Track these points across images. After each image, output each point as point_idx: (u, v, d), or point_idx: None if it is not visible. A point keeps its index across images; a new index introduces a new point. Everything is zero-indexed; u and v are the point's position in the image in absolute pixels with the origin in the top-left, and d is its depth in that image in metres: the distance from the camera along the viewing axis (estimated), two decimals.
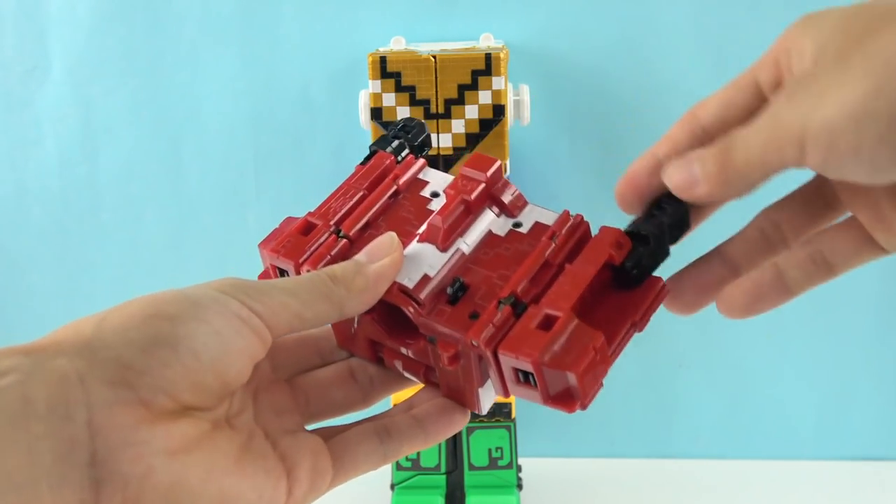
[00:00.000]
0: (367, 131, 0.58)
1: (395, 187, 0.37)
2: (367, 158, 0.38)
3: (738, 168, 0.30)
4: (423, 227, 0.35)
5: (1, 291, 0.71)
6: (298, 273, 0.34)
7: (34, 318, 0.71)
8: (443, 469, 0.62)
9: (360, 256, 0.33)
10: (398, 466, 0.62)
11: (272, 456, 0.31)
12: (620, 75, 0.64)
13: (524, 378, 0.31)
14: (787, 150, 0.28)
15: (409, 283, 0.33)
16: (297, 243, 0.34)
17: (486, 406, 0.35)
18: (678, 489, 0.67)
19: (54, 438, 0.25)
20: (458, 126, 0.57)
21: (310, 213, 0.36)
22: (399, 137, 0.39)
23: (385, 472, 0.63)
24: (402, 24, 0.64)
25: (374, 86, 0.56)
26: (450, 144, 0.57)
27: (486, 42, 0.61)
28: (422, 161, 0.38)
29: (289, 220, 0.36)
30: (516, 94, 0.59)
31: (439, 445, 0.62)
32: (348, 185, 0.37)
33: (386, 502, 0.63)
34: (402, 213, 0.36)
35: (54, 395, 0.25)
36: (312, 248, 0.34)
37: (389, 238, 0.33)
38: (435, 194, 0.37)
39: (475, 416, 0.63)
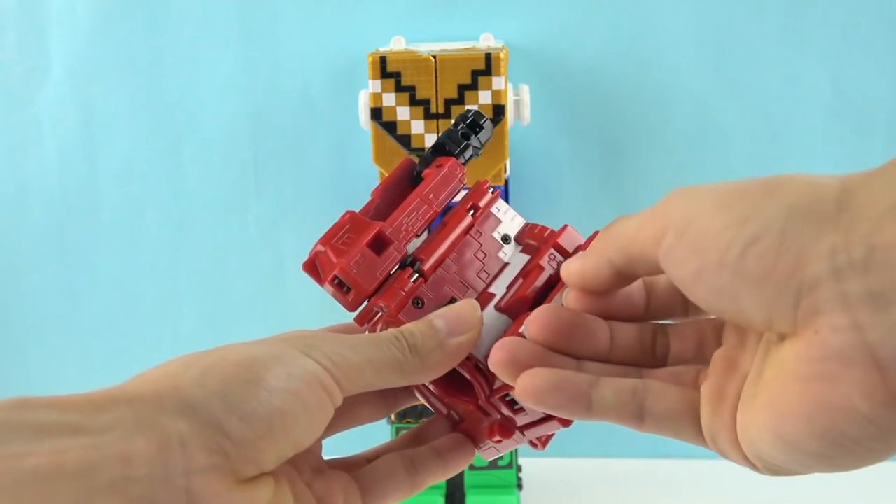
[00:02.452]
0: (366, 131, 0.58)
1: (469, 219, 0.35)
2: (433, 153, 0.36)
3: (615, 231, 0.30)
4: (502, 291, 0.34)
5: (1, 291, 0.71)
6: (365, 298, 0.33)
7: (34, 318, 0.71)
8: None
9: (440, 324, 0.31)
10: None
11: (314, 502, 0.31)
12: (620, 75, 0.64)
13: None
14: (652, 232, 0.28)
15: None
16: (369, 265, 0.33)
17: (493, 456, 0.35)
18: (678, 489, 0.67)
19: None
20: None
21: (381, 224, 0.33)
22: (468, 137, 0.36)
23: None
24: (402, 24, 0.64)
25: (374, 86, 0.56)
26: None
27: (486, 42, 0.61)
28: (496, 192, 0.36)
29: (352, 216, 0.34)
30: (516, 94, 0.59)
31: None
32: (422, 198, 0.34)
33: None
34: (472, 253, 0.35)
35: (155, 457, 0.25)
36: (384, 276, 0.33)
37: (473, 311, 0.32)
38: (506, 239, 0.35)
39: None
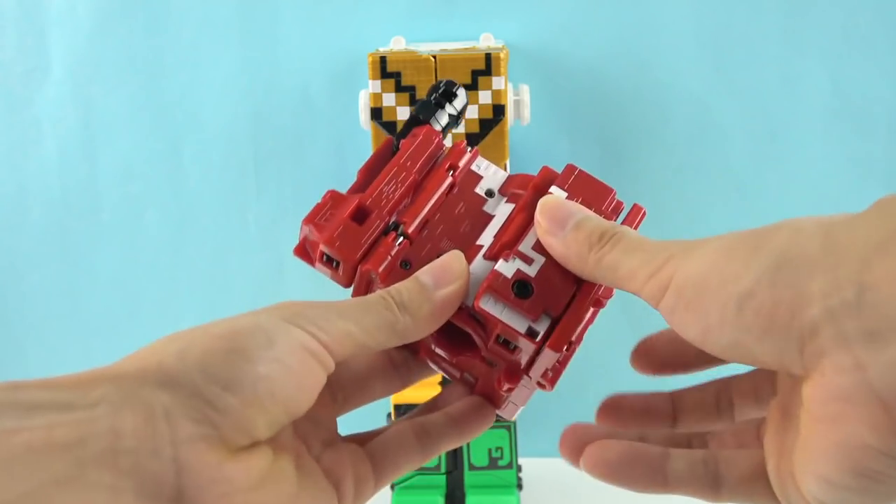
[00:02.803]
0: (367, 131, 0.58)
1: (450, 179, 0.35)
2: (408, 126, 0.36)
3: (603, 262, 0.30)
4: (489, 241, 0.34)
5: (1, 291, 0.71)
6: (353, 267, 0.33)
7: (34, 318, 0.71)
8: (443, 469, 0.62)
9: (426, 278, 0.31)
10: None
11: (320, 473, 0.31)
12: (620, 75, 0.64)
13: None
14: (648, 285, 0.29)
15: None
16: (352, 235, 0.33)
17: (515, 413, 0.35)
18: None
19: (140, 475, 0.25)
20: (458, 127, 0.57)
21: (361, 195, 0.34)
22: (442, 105, 0.37)
23: None
24: (402, 24, 0.64)
25: (374, 86, 0.56)
26: (450, 144, 0.57)
27: (486, 42, 0.61)
28: (474, 150, 0.36)
29: (333, 194, 0.34)
30: (516, 94, 0.59)
31: None
32: (399, 167, 0.35)
33: (386, 502, 0.63)
34: (457, 211, 0.35)
35: (141, 428, 0.25)
36: (369, 243, 0.33)
37: (457, 261, 0.32)
38: (490, 193, 0.35)
39: None
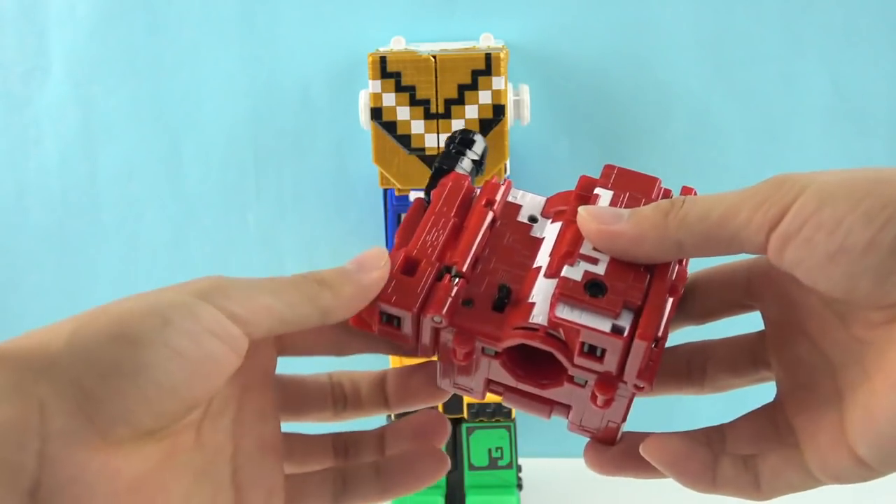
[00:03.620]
0: (367, 131, 0.58)
1: (491, 214, 0.35)
2: (435, 178, 0.36)
3: (691, 214, 0.29)
4: (546, 261, 0.33)
5: (1, 291, 0.71)
6: (419, 321, 0.32)
7: (34, 317, 0.71)
8: None
9: (348, 265, 0.32)
10: None
11: (226, 487, 0.30)
12: (621, 75, 0.64)
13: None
14: (758, 216, 0.28)
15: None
16: (406, 287, 0.32)
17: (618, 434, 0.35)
18: (679, 488, 0.67)
19: (1, 468, 0.24)
20: (458, 126, 0.57)
21: (405, 249, 0.33)
22: (462, 154, 0.37)
23: None
24: (402, 24, 0.64)
25: (374, 86, 0.56)
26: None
27: (486, 42, 0.61)
28: (507, 182, 0.36)
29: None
30: (516, 94, 0.59)
31: None
32: (437, 214, 0.34)
33: (386, 501, 0.63)
34: (506, 242, 0.34)
35: (15, 422, 0.24)
36: (426, 291, 0.32)
37: (379, 251, 0.32)
38: (533, 219, 0.35)
39: (475, 416, 0.63)
